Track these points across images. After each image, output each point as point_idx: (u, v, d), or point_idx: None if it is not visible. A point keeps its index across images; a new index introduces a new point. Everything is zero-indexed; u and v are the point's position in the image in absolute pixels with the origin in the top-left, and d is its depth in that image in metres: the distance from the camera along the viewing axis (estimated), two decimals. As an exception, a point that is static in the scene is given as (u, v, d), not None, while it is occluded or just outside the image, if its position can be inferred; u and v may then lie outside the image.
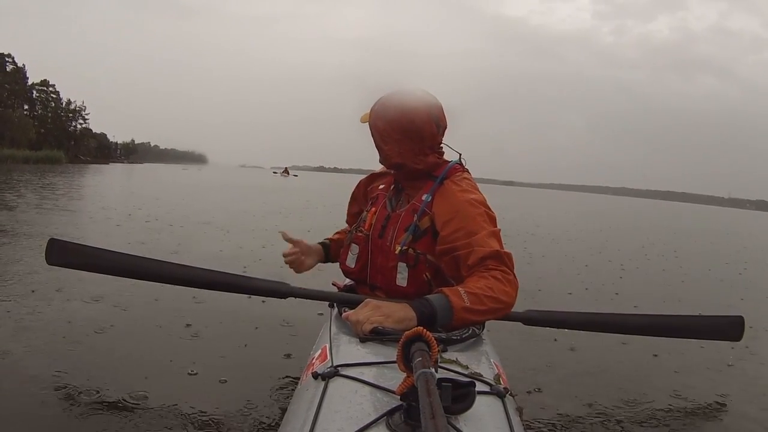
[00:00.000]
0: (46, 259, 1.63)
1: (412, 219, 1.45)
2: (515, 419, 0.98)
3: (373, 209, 1.58)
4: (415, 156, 1.48)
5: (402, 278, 1.44)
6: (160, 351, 2.49)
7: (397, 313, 1.17)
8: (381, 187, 1.65)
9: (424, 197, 1.46)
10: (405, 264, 1.43)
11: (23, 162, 39.62)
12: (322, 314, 2.14)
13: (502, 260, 1.30)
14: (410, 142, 1.47)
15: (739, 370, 2.76)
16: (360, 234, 1.57)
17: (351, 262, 1.58)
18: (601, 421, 2.03)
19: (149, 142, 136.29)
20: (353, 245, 1.58)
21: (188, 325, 2.87)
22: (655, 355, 2.81)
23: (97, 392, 1.96)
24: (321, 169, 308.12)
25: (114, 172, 32.87)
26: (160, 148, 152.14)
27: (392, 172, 1.62)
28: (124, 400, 1.93)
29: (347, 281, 1.75)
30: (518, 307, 1.44)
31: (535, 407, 2.07)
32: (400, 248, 1.43)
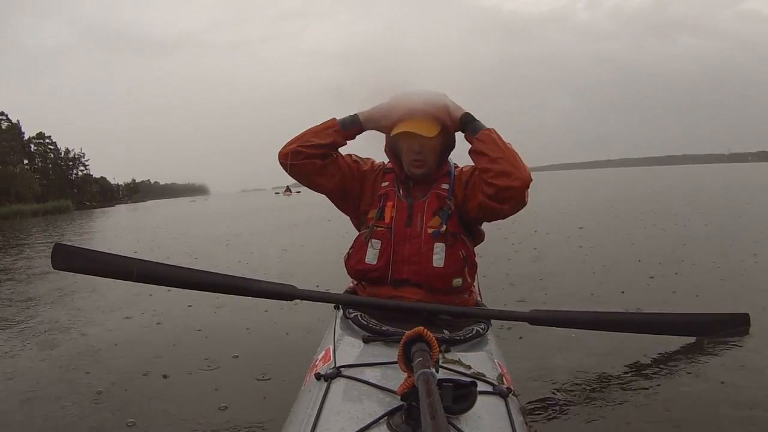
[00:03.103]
0: (52, 263, 1.65)
1: (439, 204, 1.56)
2: (518, 419, 0.97)
3: (390, 203, 1.59)
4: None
5: (439, 258, 1.51)
6: (157, 351, 2.51)
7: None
8: (385, 184, 1.65)
9: (443, 186, 1.59)
10: (443, 244, 1.52)
11: (32, 215, 39.97)
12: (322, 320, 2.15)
13: None
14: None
15: (748, 369, 2.69)
16: (380, 228, 1.57)
17: (372, 258, 1.56)
18: (607, 421, 2.00)
19: (149, 180, 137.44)
20: (373, 241, 1.56)
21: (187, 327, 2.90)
22: (665, 353, 2.74)
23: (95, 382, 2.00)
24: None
25: (130, 214, 32.52)
26: (161, 184, 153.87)
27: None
28: (121, 397, 1.95)
29: (351, 284, 1.73)
30: (523, 307, 1.43)
31: (541, 407, 2.04)
32: (440, 229, 1.52)
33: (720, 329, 1.76)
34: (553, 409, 2.04)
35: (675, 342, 2.52)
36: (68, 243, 1.73)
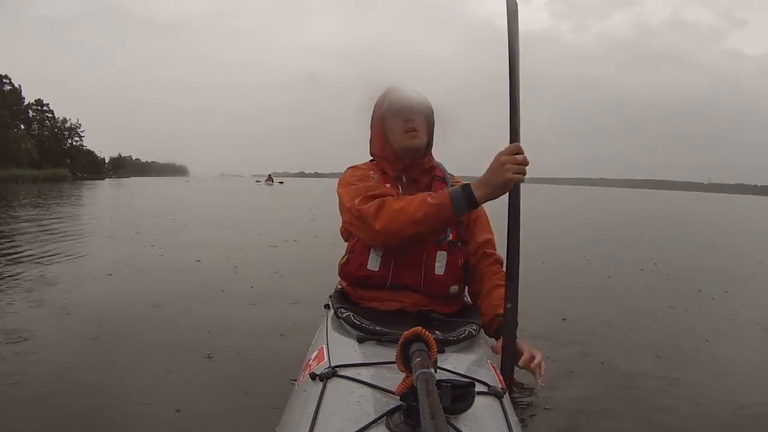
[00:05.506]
0: None
1: None
2: (513, 419, 0.98)
3: None
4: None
5: (440, 266, 1.51)
6: (155, 353, 2.50)
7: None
8: (387, 186, 1.59)
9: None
10: (445, 252, 1.52)
11: (32, 181, 39.68)
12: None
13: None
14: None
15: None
16: None
17: (374, 264, 1.50)
18: (597, 420, 2.02)
19: (131, 156, 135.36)
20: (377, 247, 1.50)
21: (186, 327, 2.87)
22: (658, 356, 2.78)
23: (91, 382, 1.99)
24: (301, 174, 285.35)
25: (130, 188, 31.56)
26: (142, 161, 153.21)
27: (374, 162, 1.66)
28: (119, 398, 1.94)
29: (339, 284, 1.70)
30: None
31: (532, 407, 2.07)
32: (444, 237, 1.52)
33: None
34: (545, 410, 2.07)
35: (667, 342, 2.53)
36: None
